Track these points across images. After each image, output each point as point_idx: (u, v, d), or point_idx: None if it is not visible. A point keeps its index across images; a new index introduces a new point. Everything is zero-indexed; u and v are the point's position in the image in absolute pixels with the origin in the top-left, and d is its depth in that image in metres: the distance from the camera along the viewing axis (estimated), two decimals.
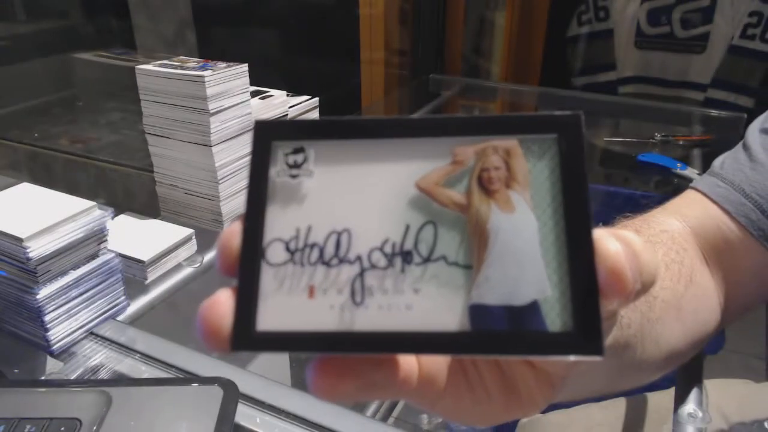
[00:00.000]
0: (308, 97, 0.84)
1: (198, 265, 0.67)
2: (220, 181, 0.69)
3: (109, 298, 0.55)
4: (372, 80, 1.55)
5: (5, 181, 0.59)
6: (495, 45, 1.72)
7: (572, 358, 0.18)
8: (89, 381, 0.49)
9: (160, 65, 0.68)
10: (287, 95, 0.80)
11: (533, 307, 0.18)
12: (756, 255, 0.43)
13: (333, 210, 0.19)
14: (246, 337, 0.18)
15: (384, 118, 0.20)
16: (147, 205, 0.76)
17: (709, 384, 0.50)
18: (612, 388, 0.44)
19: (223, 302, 0.18)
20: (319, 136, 0.20)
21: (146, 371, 0.50)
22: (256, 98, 0.75)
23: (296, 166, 0.20)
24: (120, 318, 0.56)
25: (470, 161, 0.19)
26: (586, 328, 0.17)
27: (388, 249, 0.19)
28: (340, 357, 0.19)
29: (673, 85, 1.72)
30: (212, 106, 0.66)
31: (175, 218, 0.74)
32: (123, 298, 0.57)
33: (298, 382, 0.71)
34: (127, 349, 0.52)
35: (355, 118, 0.20)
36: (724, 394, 0.57)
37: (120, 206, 0.72)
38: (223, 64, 0.68)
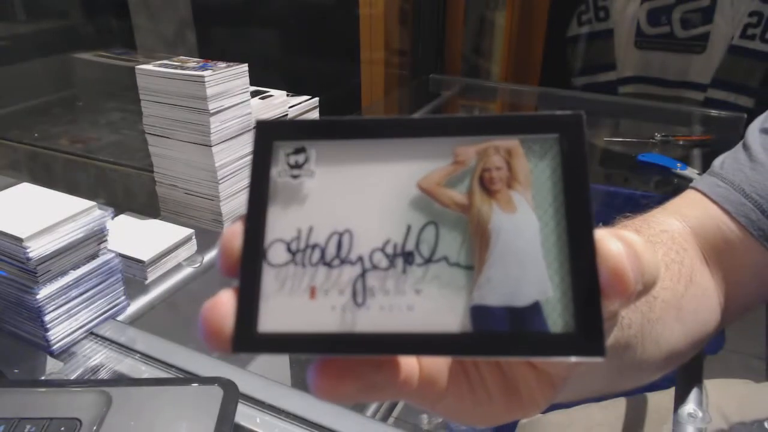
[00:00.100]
0: (308, 97, 0.84)
1: (198, 265, 0.67)
2: (220, 181, 0.69)
3: (109, 298, 0.55)
4: (372, 80, 1.55)
5: (5, 181, 0.59)
6: (495, 45, 1.72)
7: (574, 359, 0.18)
8: (89, 381, 0.49)
9: (160, 65, 0.68)
10: (287, 95, 0.80)
11: (535, 308, 0.18)
12: (756, 255, 0.43)
13: (334, 210, 0.19)
14: (247, 339, 0.18)
15: (385, 118, 0.20)
16: (147, 205, 0.76)
17: (709, 384, 0.50)
18: (612, 388, 0.44)
19: (224, 303, 0.18)
20: (320, 136, 0.20)
21: (146, 371, 0.50)
22: (256, 98, 0.75)
23: (297, 166, 0.20)
24: (120, 318, 0.56)
25: (472, 161, 0.19)
26: (588, 329, 0.17)
27: (389, 250, 0.19)
28: (341, 358, 0.19)
29: (673, 85, 1.72)
30: (212, 106, 0.66)
31: (175, 218, 0.74)
32: (123, 298, 0.56)
33: (298, 382, 0.71)
34: (127, 349, 0.52)
35: (357, 118, 0.20)
36: (724, 394, 0.57)
37: (120, 206, 0.72)
38: (223, 64, 0.68)
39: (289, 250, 0.19)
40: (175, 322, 0.66)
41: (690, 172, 1.01)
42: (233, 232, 0.19)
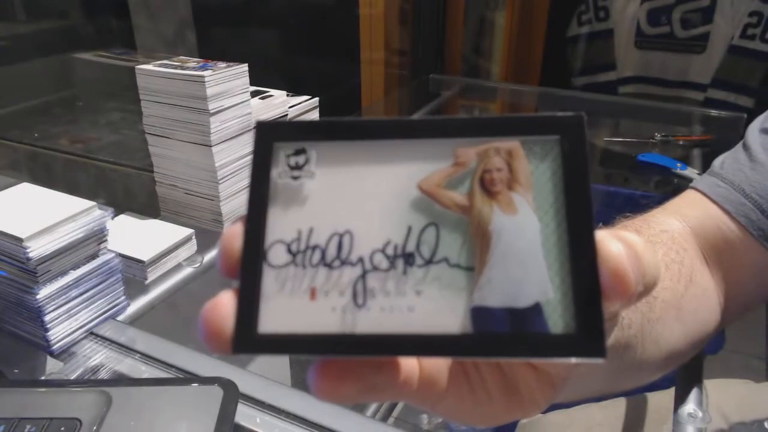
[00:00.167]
0: (308, 97, 0.84)
1: (198, 265, 0.67)
2: (220, 181, 0.69)
3: (109, 298, 0.55)
4: (372, 80, 1.55)
5: (5, 181, 0.59)
6: (495, 45, 1.72)
7: (575, 360, 0.18)
8: (89, 381, 0.49)
9: (160, 65, 0.68)
10: (287, 95, 0.80)
11: (535, 309, 0.18)
12: (756, 255, 0.43)
13: (335, 211, 0.19)
14: (248, 340, 0.18)
15: (386, 120, 0.20)
16: (147, 205, 0.76)
17: (709, 384, 0.50)
18: (612, 388, 0.44)
19: (225, 304, 0.18)
20: (320, 137, 0.20)
21: (146, 371, 0.50)
22: (256, 98, 0.75)
23: (298, 167, 0.20)
24: (120, 318, 0.56)
25: (472, 163, 0.19)
26: (589, 330, 0.17)
27: (390, 251, 0.19)
28: (342, 359, 0.19)
29: (673, 85, 1.72)
30: (212, 106, 0.66)
31: (175, 218, 0.74)
32: (123, 298, 0.57)
33: (298, 382, 0.71)
34: (127, 349, 0.52)
35: (357, 120, 0.20)
36: (724, 394, 0.57)
37: (120, 206, 0.72)
38: (223, 64, 0.68)
39: (289, 251, 0.19)
40: (175, 322, 0.66)
41: (690, 172, 1.01)
42: (233, 233, 0.19)
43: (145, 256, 0.62)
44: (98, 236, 0.53)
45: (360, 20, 1.48)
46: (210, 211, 0.71)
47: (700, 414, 0.47)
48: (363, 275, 0.19)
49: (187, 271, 0.66)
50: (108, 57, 0.99)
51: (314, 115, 0.85)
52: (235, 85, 0.68)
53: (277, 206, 0.19)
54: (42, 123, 0.94)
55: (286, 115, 0.79)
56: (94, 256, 0.53)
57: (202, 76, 0.64)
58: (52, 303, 0.50)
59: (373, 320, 0.18)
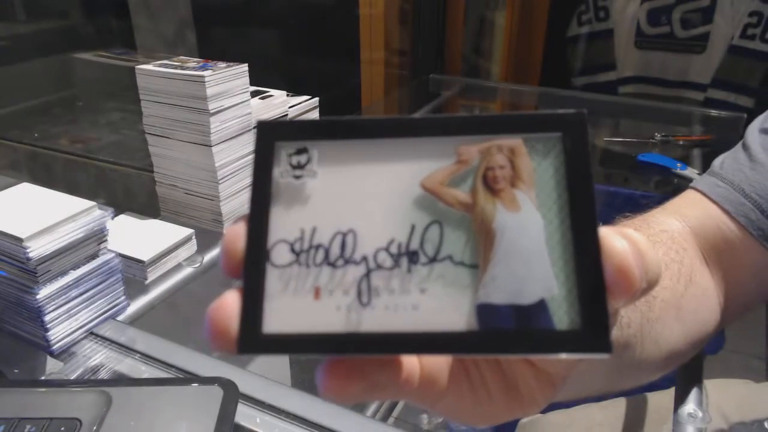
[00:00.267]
0: (308, 97, 0.84)
1: (198, 265, 0.67)
2: (220, 181, 0.69)
3: (109, 298, 0.55)
4: (372, 80, 1.55)
5: (5, 181, 0.59)
6: (495, 45, 1.72)
7: (580, 356, 0.18)
8: (89, 381, 0.49)
9: (160, 65, 0.68)
10: (287, 95, 0.80)
11: (540, 306, 0.18)
12: (756, 255, 0.43)
13: (338, 210, 0.19)
14: (252, 340, 0.18)
15: (388, 118, 0.20)
16: (147, 205, 0.76)
17: (709, 384, 0.50)
18: (612, 388, 0.44)
19: (230, 304, 0.18)
20: (322, 136, 0.20)
21: (146, 371, 0.50)
22: (256, 98, 0.75)
23: (300, 166, 0.20)
24: (120, 318, 0.56)
25: (475, 160, 0.19)
26: (594, 325, 0.17)
27: (394, 249, 0.19)
28: (349, 358, 0.19)
29: (673, 85, 1.72)
30: (212, 106, 0.66)
31: (175, 218, 0.74)
32: (123, 298, 0.57)
33: (298, 382, 0.71)
34: (127, 349, 0.52)
35: (359, 118, 0.20)
36: (724, 394, 0.57)
37: (120, 206, 0.72)
38: (223, 64, 0.68)
39: (292, 250, 0.19)
40: (175, 322, 0.66)
41: (690, 172, 1.01)
42: (235, 233, 0.19)
43: (145, 256, 0.62)
44: (98, 236, 0.53)
45: (360, 20, 1.48)
46: (210, 211, 0.71)
47: (700, 414, 0.47)
48: (367, 274, 0.19)
49: (187, 271, 0.66)
50: (108, 57, 0.99)
51: (314, 115, 0.85)
52: (235, 85, 0.68)
53: (280, 206, 0.19)
54: (42, 123, 0.94)
55: (286, 115, 0.79)
56: (94, 256, 0.53)
57: (202, 76, 0.64)
58: (52, 303, 0.50)
59: (377, 319, 0.18)
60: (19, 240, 0.47)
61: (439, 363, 0.23)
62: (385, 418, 0.64)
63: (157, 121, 0.70)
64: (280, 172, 0.20)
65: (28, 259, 0.47)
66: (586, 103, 1.38)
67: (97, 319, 0.54)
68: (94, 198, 0.54)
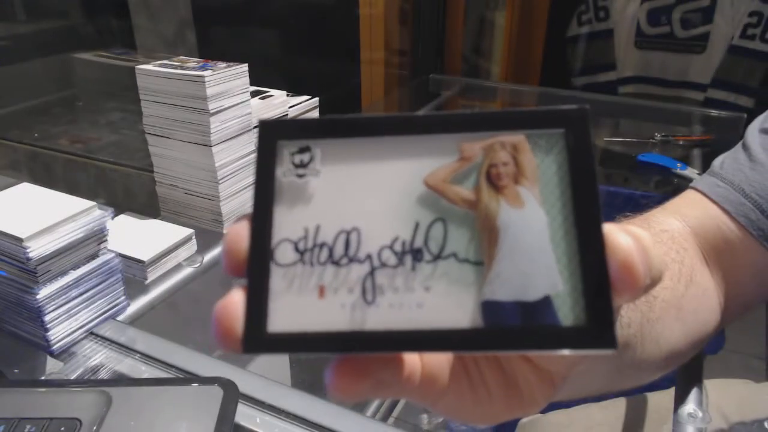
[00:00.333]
0: (308, 97, 0.84)
1: (198, 265, 0.67)
2: (220, 181, 0.69)
3: (109, 298, 0.55)
4: (372, 80, 1.55)
5: (5, 181, 0.59)
6: (495, 45, 1.72)
7: (585, 352, 0.18)
8: (89, 381, 0.49)
9: (160, 65, 0.68)
10: (287, 95, 0.80)
11: (545, 302, 0.18)
12: (755, 255, 0.43)
13: (341, 209, 0.19)
14: (257, 339, 0.18)
15: (390, 116, 0.20)
16: (147, 205, 0.76)
17: (709, 384, 0.50)
18: (612, 388, 0.44)
19: (236, 302, 0.18)
20: (324, 134, 0.20)
21: (146, 371, 0.50)
22: (256, 98, 0.75)
23: (302, 165, 0.20)
24: (120, 318, 0.56)
25: (478, 157, 0.19)
26: (599, 321, 0.17)
27: (398, 247, 0.19)
28: (358, 357, 0.19)
29: (673, 85, 1.72)
30: (212, 106, 0.66)
31: (175, 218, 0.74)
32: (123, 298, 0.57)
33: (298, 382, 0.71)
34: (127, 349, 0.52)
35: (361, 116, 0.20)
36: (724, 394, 0.57)
37: (120, 206, 0.72)
38: (223, 64, 0.68)
39: (296, 249, 0.19)
40: (175, 322, 0.66)
41: (690, 172, 1.01)
42: (237, 232, 0.19)
43: (145, 256, 0.62)
44: (98, 236, 0.53)
45: (360, 20, 1.48)
46: (210, 211, 0.71)
47: (700, 414, 0.47)
48: (371, 272, 0.19)
49: (187, 271, 0.66)
50: (108, 57, 0.99)
51: (314, 115, 0.85)
52: (235, 85, 0.68)
53: (283, 205, 0.19)
54: (42, 123, 0.94)
55: (286, 115, 0.79)
56: (94, 256, 0.53)
57: (202, 76, 0.64)
58: (52, 303, 0.50)
59: (382, 317, 0.18)
60: (19, 240, 0.47)
61: (440, 361, 0.23)
62: (385, 418, 0.64)
63: (157, 121, 0.70)
64: (283, 171, 0.20)
65: (28, 259, 0.47)
66: (586, 103, 1.38)
67: (97, 319, 0.54)
68: (94, 198, 0.54)
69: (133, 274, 0.63)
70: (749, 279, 0.45)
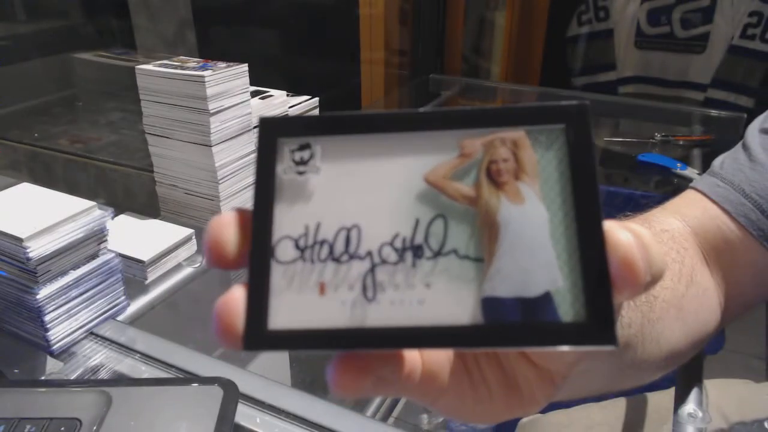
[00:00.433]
0: (308, 97, 0.84)
1: (198, 265, 0.67)
2: (220, 181, 0.69)
3: (109, 298, 0.55)
4: (372, 80, 1.55)
5: (5, 181, 0.59)
6: (495, 45, 1.72)
7: (586, 348, 0.18)
8: (89, 381, 0.49)
9: (160, 65, 0.68)
10: (287, 95, 0.80)
11: (545, 298, 0.18)
12: (756, 255, 0.43)
13: (341, 206, 0.19)
14: (258, 337, 0.18)
15: (390, 112, 0.19)
16: (147, 205, 0.76)
17: (709, 384, 0.50)
18: (612, 388, 0.44)
19: (237, 299, 0.18)
20: (324, 131, 0.20)
21: (146, 371, 0.50)
22: (256, 98, 0.75)
23: (303, 162, 0.20)
24: (120, 318, 0.56)
25: (478, 154, 0.19)
26: (599, 318, 0.17)
27: (398, 244, 0.19)
28: (360, 353, 0.19)
29: (673, 85, 1.72)
30: (212, 106, 0.66)
31: (175, 218, 0.74)
32: (123, 298, 0.56)
33: (298, 382, 0.71)
34: (127, 349, 0.52)
35: (361, 113, 0.20)
36: (724, 394, 0.57)
37: (120, 206, 0.72)
38: (223, 64, 0.68)
39: (297, 246, 0.19)
40: (175, 322, 0.66)
41: (690, 172, 1.01)
42: (220, 223, 0.19)
43: (145, 256, 0.62)
44: (98, 236, 0.53)
45: (360, 20, 1.48)
46: (210, 211, 0.71)
47: (700, 414, 0.47)
48: (372, 269, 0.19)
49: (187, 271, 0.66)
50: (108, 57, 0.99)
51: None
52: (235, 85, 0.68)
53: (284, 202, 0.19)
54: (42, 123, 0.94)
55: (286, 114, 0.79)
56: (94, 256, 0.53)
57: (202, 76, 0.64)
58: (52, 303, 0.50)
59: (383, 313, 0.18)
60: (19, 240, 0.47)
61: (440, 359, 0.23)
62: (385, 418, 0.64)
63: (157, 121, 0.70)
64: (283, 168, 0.20)
65: (28, 259, 0.47)
66: None
67: (97, 319, 0.54)
68: (94, 198, 0.54)
69: (133, 274, 0.63)
70: (749, 279, 0.45)
